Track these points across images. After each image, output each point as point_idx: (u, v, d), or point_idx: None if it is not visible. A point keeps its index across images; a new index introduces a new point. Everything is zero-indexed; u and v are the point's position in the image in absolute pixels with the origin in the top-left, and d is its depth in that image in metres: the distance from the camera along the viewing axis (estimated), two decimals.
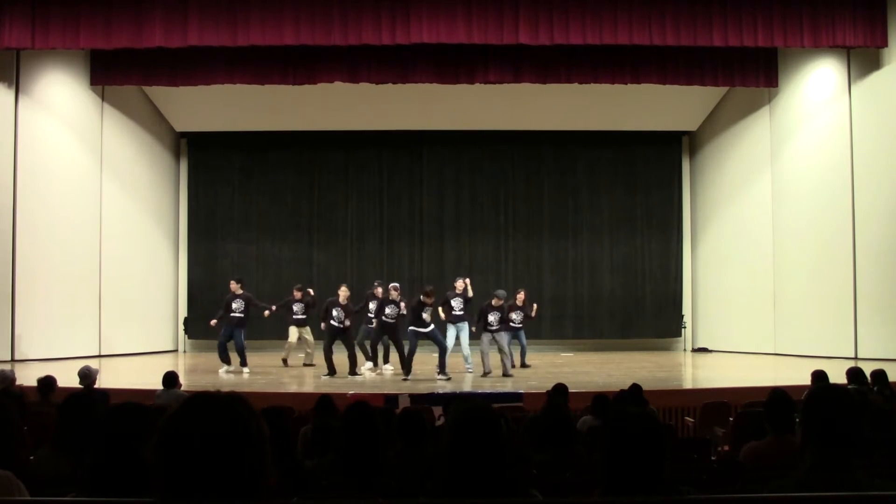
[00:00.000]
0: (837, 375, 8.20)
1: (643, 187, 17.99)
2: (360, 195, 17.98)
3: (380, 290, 12.91)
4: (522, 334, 13.48)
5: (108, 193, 15.74)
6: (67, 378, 8.91)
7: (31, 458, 3.70)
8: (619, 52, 14.29)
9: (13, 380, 8.15)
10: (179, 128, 17.61)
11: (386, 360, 13.33)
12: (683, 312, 17.85)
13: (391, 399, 9.50)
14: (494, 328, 12.60)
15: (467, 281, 12.91)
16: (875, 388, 7.72)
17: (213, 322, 13.30)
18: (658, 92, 15.53)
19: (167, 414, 1.65)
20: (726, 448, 6.42)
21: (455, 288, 12.93)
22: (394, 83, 14.67)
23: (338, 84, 14.69)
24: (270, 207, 17.91)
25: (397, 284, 12.53)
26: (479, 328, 12.70)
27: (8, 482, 2.65)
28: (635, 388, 7.44)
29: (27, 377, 9.48)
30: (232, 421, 1.61)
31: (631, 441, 2.33)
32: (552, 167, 18.10)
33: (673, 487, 2.36)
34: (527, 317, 13.44)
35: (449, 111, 16.71)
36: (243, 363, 12.83)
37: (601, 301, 17.55)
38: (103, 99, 15.74)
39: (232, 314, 12.91)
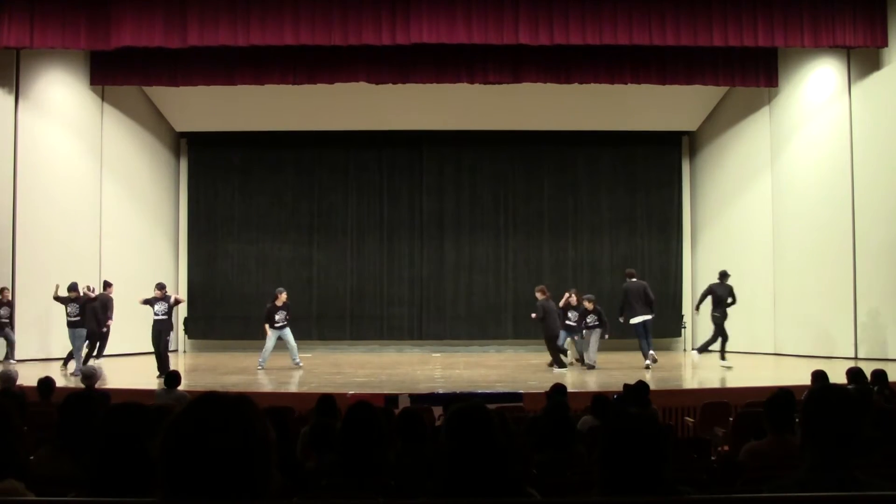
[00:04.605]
0: (837, 375, 8.20)
1: (643, 187, 18.00)
2: (361, 195, 17.99)
3: (573, 297, 13.96)
4: None
5: (108, 193, 15.75)
6: (73, 378, 8.92)
7: (31, 458, 3.70)
8: (619, 52, 14.29)
9: (15, 380, 8.15)
10: (179, 128, 17.61)
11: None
12: (683, 312, 17.85)
13: (391, 399, 9.50)
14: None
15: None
16: (875, 389, 7.72)
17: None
18: (658, 92, 15.53)
19: (174, 413, 1.65)
20: (726, 448, 6.42)
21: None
22: (394, 83, 14.67)
23: (338, 84, 14.69)
24: (270, 207, 17.92)
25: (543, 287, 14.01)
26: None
27: (17, 496, 2.63)
28: (641, 384, 7.44)
29: (27, 377, 9.48)
30: (238, 422, 1.61)
31: (629, 442, 2.32)
32: (552, 167, 18.11)
33: (672, 487, 2.36)
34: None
35: (449, 111, 16.71)
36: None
37: (601, 301, 17.45)
38: (103, 99, 15.75)
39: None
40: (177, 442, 1.59)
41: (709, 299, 13.81)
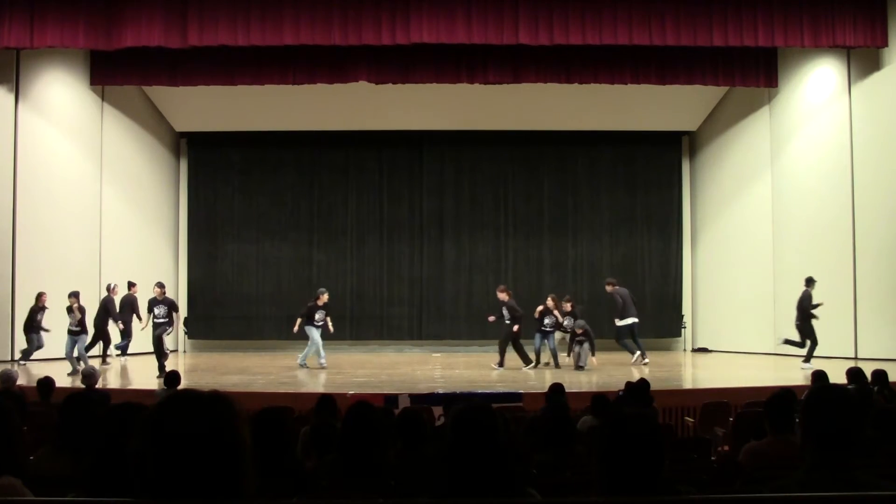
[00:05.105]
0: (837, 375, 8.20)
1: (643, 187, 17.99)
2: (360, 195, 17.98)
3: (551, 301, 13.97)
4: None
5: (108, 193, 15.74)
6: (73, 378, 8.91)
7: (31, 458, 3.70)
8: (619, 52, 14.29)
9: (15, 380, 8.16)
10: (179, 128, 17.61)
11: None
12: (683, 312, 17.85)
13: (391, 399, 9.49)
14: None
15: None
16: (875, 389, 7.71)
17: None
18: (658, 92, 15.53)
19: (147, 412, 1.65)
20: (726, 448, 6.42)
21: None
22: (394, 83, 14.67)
23: (338, 84, 14.69)
24: (270, 207, 17.91)
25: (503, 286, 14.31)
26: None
27: (14, 492, 2.64)
28: (643, 382, 7.46)
29: (27, 377, 9.49)
30: (212, 421, 1.60)
31: (626, 442, 2.32)
32: (552, 167, 18.10)
33: (670, 487, 2.36)
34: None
35: (449, 111, 16.71)
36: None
37: (601, 301, 17.50)
38: (103, 99, 15.74)
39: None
40: (149, 440, 1.58)
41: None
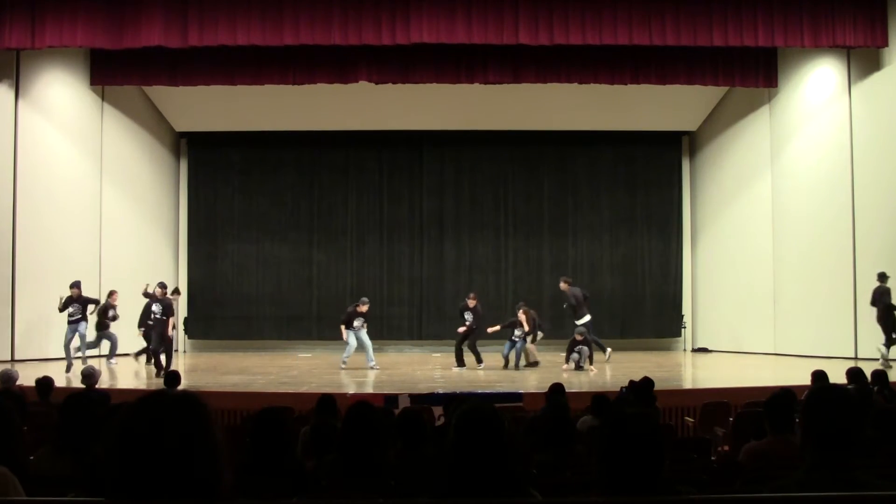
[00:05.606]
0: (837, 375, 8.20)
1: (643, 187, 17.99)
2: (360, 195, 17.99)
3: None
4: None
5: (107, 194, 15.74)
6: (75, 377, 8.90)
7: (31, 458, 3.70)
8: (619, 52, 14.29)
9: (15, 379, 8.15)
10: (179, 128, 17.61)
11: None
12: (683, 312, 17.85)
13: (391, 399, 9.50)
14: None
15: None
16: (875, 389, 7.71)
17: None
18: (658, 92, 15.53)
19: (119, 413, 1.65)
20: (726, 448, 6.43)
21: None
22: (394, 83, 14.68)
23: (338, 84, 14.69)
24: (270, 207, 17.92)
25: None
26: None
27: (4, 478, 2.65)
28: (646, 381, 7.46)
29: (27, 377, 9.48)
30: (182, 421, 1.59)
31: (627, 442, 2.32)
32: (552, 167, 18.10)
33: (671, 487, 2.36)
34: None
35: (449, 111, 16.71)
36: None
37: (601, 301, 17.49)
38: (103, 99, 15.74)
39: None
40: (118, 442, 1.58)
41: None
